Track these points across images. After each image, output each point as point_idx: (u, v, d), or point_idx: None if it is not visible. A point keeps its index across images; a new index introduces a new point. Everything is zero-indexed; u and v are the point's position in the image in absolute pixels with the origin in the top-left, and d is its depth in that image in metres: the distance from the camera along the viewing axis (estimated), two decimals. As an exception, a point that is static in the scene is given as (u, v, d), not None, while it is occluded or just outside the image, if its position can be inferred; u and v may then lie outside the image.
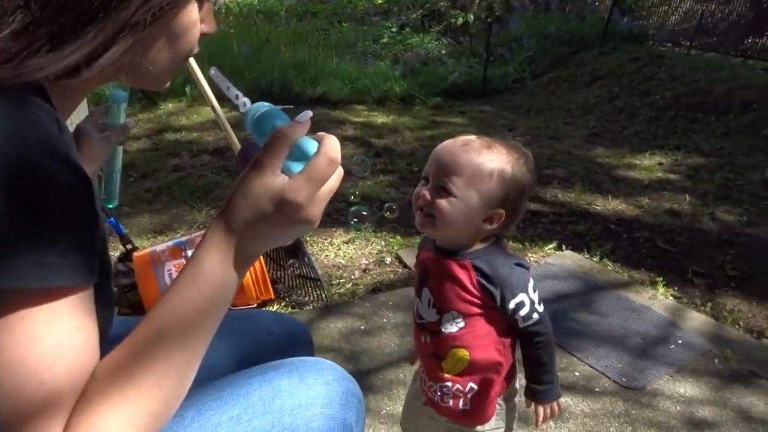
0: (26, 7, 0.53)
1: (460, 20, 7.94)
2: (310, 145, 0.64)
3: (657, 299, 2.49)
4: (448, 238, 1.12)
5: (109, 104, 1.10)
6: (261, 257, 2.29)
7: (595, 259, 2.83)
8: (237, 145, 2.25)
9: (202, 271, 0.60)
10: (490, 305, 1.09)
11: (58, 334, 0.53)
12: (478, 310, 1.10)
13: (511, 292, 1.08)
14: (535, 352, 1.12)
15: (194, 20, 0.64)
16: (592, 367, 2.02)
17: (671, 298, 2.53)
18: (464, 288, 1.09)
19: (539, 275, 2.60)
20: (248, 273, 2.17)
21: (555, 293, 2.48)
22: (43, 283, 0.51)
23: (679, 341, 2.19)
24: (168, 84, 0.70)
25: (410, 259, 2.68)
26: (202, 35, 0.68)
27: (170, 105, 5.26)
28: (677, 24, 10.00)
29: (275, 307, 2.32)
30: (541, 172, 4.05)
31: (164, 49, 0.63)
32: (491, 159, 1.07)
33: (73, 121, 1.46)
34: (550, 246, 2.92)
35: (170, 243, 2.24)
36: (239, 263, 0.62)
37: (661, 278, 2.64)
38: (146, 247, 2.38)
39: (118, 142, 1.11)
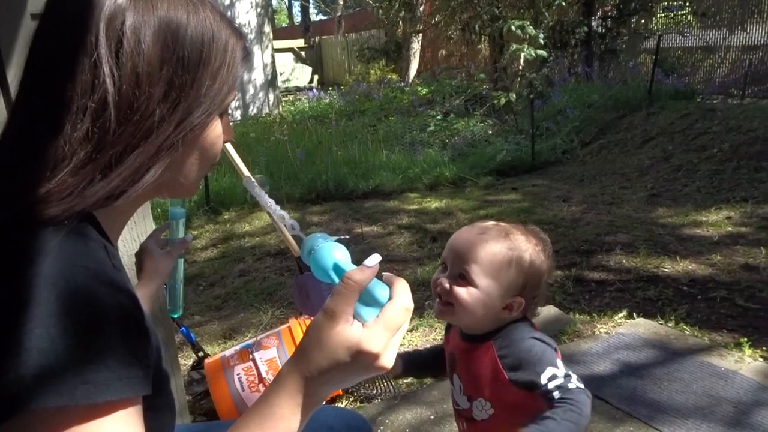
0: (85, 146, 0.60)
1: (503, 100, 8.12)
2: (381, 290, 0.65)
3: (744, 362, 2.32)
4: (468, 326, 1.12)
5: (169, 221, 1.21)
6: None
7: (670, 325, 2.69)
8: (294, 246, 2.35)
9: (272, 416, 0.62)
10: (518, 389, 1.04)
11: None
12: (507, 397, 1.06)
13: (537, 366, 1.02)
14: (551, 416, 0.97)
15: (219, 134, 0.73)
16: (681, 442, 1.89)
17: (761, 359, 2.36)
18: (489, 373, 1.06)
19: (611, 347, 2.50)
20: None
21: (631, 365, 2.36)
22: (89, 399, 0.54)
23: (776, 406, 2.02)
24: (198, 191, 0.78)
25: (475, 342, 2.64)
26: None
27: (233, 213, 5.54)
28: (725, 76, 9.88)
29: (344, 403, 2.31)
30: (602, 239, 3.97)
31: (195, 163, 0.72)
32: (509, 247, 1.07)
33: (141, 237, 1.59)
34: (620, 315, 2.82)
35: (238, 347, 2.30)
36: (308, 407, 0.63)
37: (746, 339, 2.48)
38: (217, 353, 2.46)
39: (179, 255, 1.20)
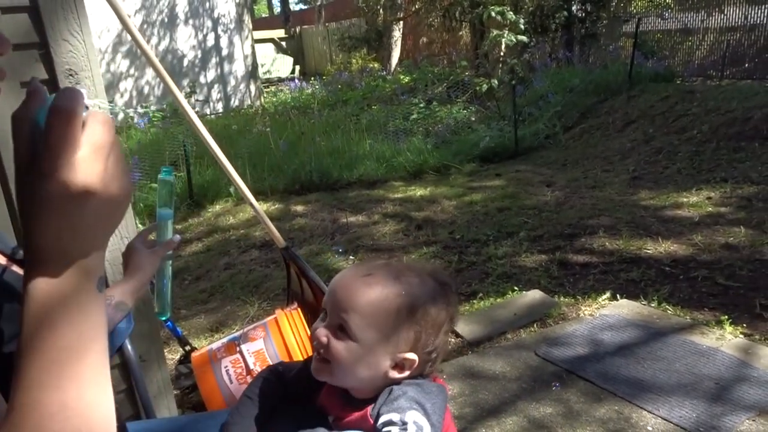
0: None
1: (485, 87, 8.12)
2: (43, 115, 0.49)
3: (725, 339, 2.37)
4: (351, 388, 0.92)
5: (157, 222, 1.19)
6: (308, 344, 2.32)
7: (653, 305, 2.74)
8: (279, 237, 2.35)
9: (33, 309, 0.48)
10: None
11: None
12: None
13: (385, 408, 0.83)
14: None
15: None
16: (665, 419, 1.92)
17: (741, 336, 2.40)
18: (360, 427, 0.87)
19: (596, 328, 2.53)
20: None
21: (615, 345, 2.40)
22: None
23: (757, 381, 2.06)
24: None
25: (462, 328, 2.66)
26: None
27: (217, 207, 5.51)
28: (704, 57, 9.97)
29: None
30: (585, 223, 4.01)
31: None
32: (397, 293, 0.88)
33: (121, 232, 1.57)
34: (604, 297, 2.85)
35: (225, 340, 2.30)
36: (71, 274, 0.48)
37: (727, 316, 2.53)
38: (204, 346, 2.45)
39: (167, 256, 1.18)
